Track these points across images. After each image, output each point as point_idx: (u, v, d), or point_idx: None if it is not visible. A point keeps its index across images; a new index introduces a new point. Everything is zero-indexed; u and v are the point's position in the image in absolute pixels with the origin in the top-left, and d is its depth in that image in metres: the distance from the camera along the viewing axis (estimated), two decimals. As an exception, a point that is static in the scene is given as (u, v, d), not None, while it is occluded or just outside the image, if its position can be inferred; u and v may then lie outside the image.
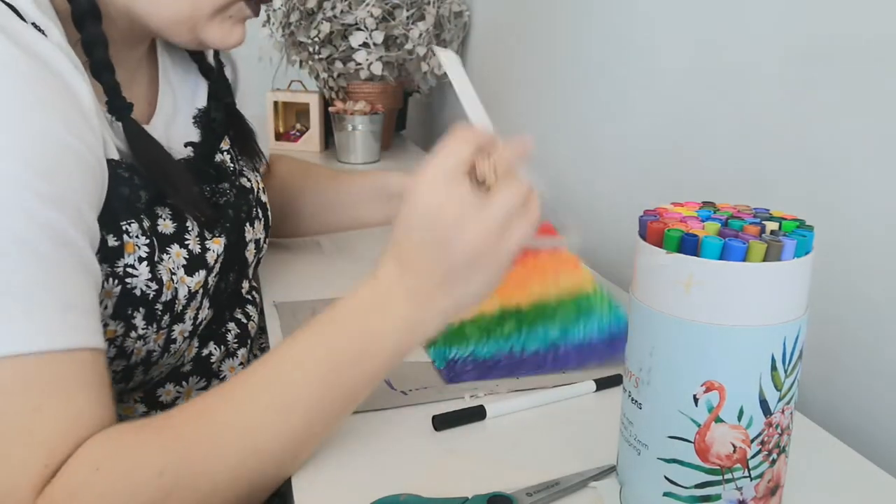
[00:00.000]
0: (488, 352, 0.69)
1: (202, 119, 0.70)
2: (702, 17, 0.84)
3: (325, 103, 1.69)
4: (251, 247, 0.73)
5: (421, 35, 1.56)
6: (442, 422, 0.57)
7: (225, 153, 0.72)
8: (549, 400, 0.62)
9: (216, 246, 0.65)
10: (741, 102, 0.78)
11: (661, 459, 0.45)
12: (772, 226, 0.43)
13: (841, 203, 0.66)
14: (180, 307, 0.61)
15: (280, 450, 0.49)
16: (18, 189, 0.44)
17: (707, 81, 0.84)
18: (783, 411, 0.44)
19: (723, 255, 0.41)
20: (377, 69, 1.57)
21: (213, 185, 0.68)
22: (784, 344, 0.42)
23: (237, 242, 0.70)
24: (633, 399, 0.46)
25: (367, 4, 1.53)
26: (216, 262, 0.65)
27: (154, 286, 0.58)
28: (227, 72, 0.79)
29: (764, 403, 0.43)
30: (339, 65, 1.60)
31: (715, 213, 0.46)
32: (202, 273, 0.63)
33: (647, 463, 0.45)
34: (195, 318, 0.65)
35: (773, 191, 0.74)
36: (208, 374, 0.71)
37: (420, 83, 1.72)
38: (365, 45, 1.55)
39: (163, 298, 0.59)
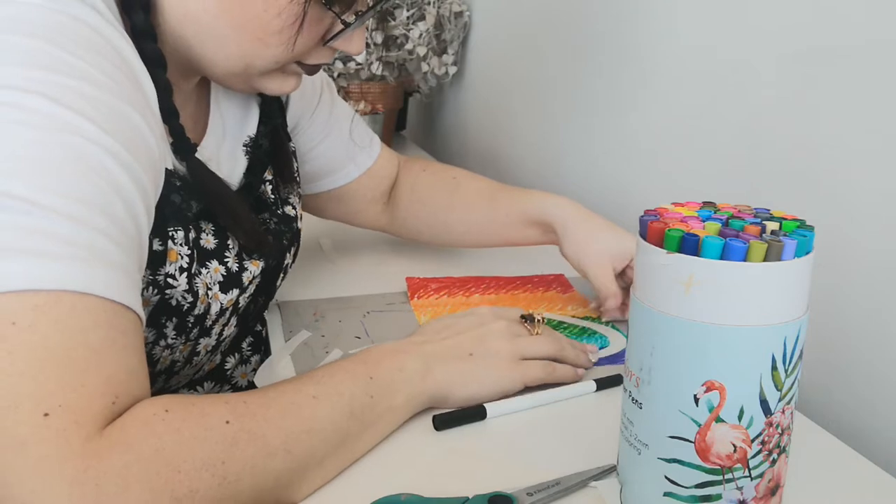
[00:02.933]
0: None
1: (252, 147, 0.70)
2: (702, 18, 0.85)
3: (325, 103, 1.68)
4: (280, 273, 0.73)
5: (421, 35, 1.56)
6: (443, 421, 0.57)
7: (267, 184, 0.72)
8: (549, 400, 0.62)
9: (254, 267, 0.66)
10: (742, 102, 0.78)
11: (661, 459, 0.45)
12: (772, 226, 0.43)
13: (841, 203, 0.66)
14: (210, 322, 0.62)
15: (328, 433, 0.50)
16: (101, 150, 0.45)
17: (707, 82, 0.84)
18: (783, 411, 0.44)
19: (723, 255, 0.41)
20: (377, 69, 1.57)
21: (255, 216, 0.69)
22: (784, 344, 0.42)
23: (275, 268, 0.71)
24: (633, 399, 0.46)
25: (368, 4, 1.53)
26: (251, 282, 0.66)
27: (189, 298, 0.58)
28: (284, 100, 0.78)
29: (764, 403, 0.43)
30: (339, 65, 1.60)
31: (715, 213, 0.46)
32: (235, 292, 0.64)
33: (647, 463, 0.45)
34: (220, 333, 0.65)
35: (773, 191, 0.74)
36: (222, 380, 0.72)
37: (420, 83, 1.72)
38: (365, 44, 1.56)
39: (195, 311, 0.60)
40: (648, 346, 0.44)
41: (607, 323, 0.77)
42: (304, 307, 0.80)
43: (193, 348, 0.62)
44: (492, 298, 0.83)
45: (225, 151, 0.67)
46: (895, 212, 0.61)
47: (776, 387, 0.43)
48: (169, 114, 0.56)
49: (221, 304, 0.62)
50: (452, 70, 1.65)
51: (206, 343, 0.64)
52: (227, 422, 0.45)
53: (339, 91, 1.64)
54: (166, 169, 0.55)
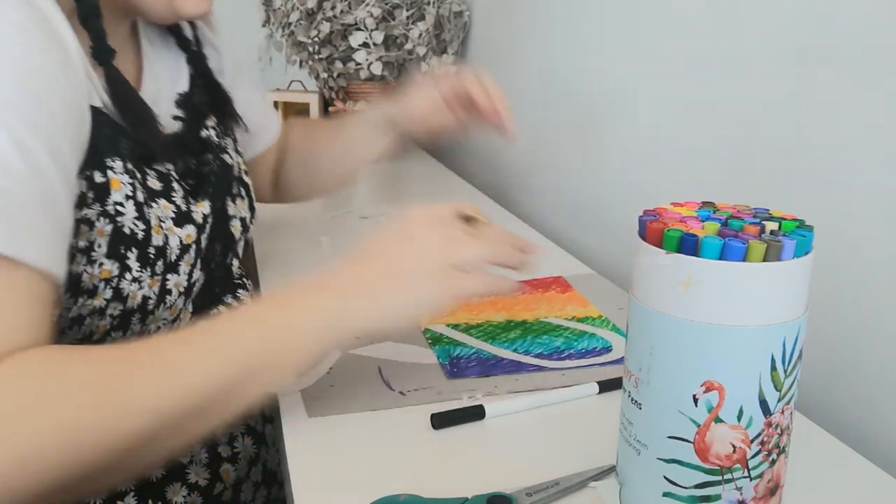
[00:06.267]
0: (492, 353, 0.70)
1: (184, 102, 0.74)
2: (702, 17, 0.84)
3: (325, 103, 1.68)
4: (236, 223, 0.75)
5: (421, 35, 1.56)
6: (441, 420, 0.57)
7: (210, 129, 0.76)
8: (549, 401, 0.61)
9: (201, 209, 0.68)
10: (741, 102, 0.78)
11: (660, 459, 0.45)
12: (771, 226, 0.43)
13: (841, 203, 0.66)
14: (173, 256, 0.63)
15: (197, 396, 0.49)
16: (2, 105, 0.47)
17: (707, 81, 0.84)
18: (783, 411, 0.44)
19: (722, 255, 0.41)
20: (377, 69, 1.57)
21: (198, 157, 0.72)
22: (784, 344, 0.42)
23: (221, 210, 0.72)
24: (632, 399, 0.46)
25: (367, 4, 1.53)
26: (205, 222, 0.68)
27: (142, 226, 0.60)
28: (213, 62, 0.82)
29: (763, 403, 0.43)
30: (339, 65, 1.60)
31: (714, 213, 0.46)
32: (191, 228, 0.66)
33: (646, 463, 0.45)
34: (189, 274, 0.66)
35: (772, 191, 0.74)
36: None
37: (420, 83, 1.72)
38: (365, 45, 1.55)
39: (154, 242, 0.61)
40: (647, 347, 0.44)
41: (608, 325, 0.77)
42: (303, 307, 0.80)
43: (163, 285, 0.63)
44: (491, 300, 0.83)
45: (161, 109, 0.70)
46: (895, 212, 0.61)
47: (775, 387, 0.43)
48: (89, 13, 0.59)
49: (181, 238, 0.64)
50: (452, 70, 1.65)
51: (175, 281, 0.64)
52: (92, 384, 0.45)
53: (339, 91, 1.64)
54: (94, 107, 0.58)
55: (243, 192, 0.77)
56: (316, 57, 1.59)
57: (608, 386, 0.63)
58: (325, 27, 1.55)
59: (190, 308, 0.70)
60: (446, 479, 0.52)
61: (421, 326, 0.74)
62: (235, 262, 0.77)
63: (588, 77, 1.12)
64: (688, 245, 0.42)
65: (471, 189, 1.41)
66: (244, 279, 0.80)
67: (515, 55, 1.39)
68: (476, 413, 0.59)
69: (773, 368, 0.42)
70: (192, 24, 0.79)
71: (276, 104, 1.72)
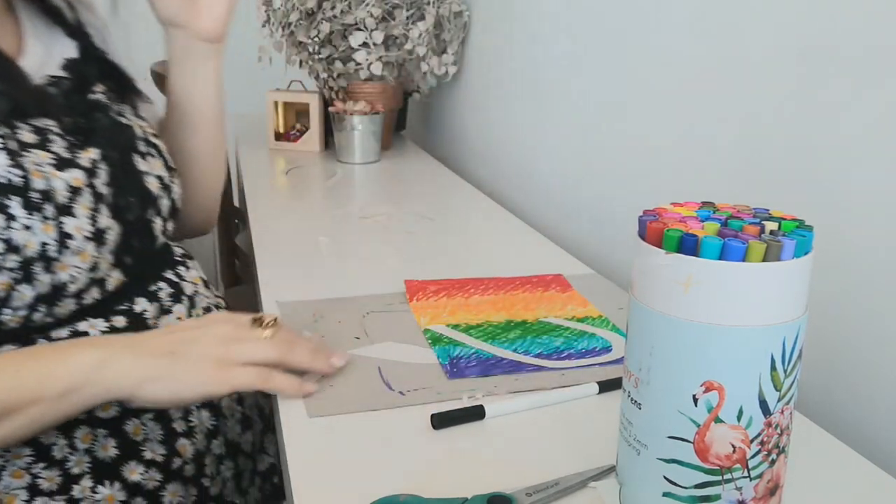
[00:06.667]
0: (492, 353, 0.70)
1: (70, 67, 0.73)
2: (702, 17, 0.85)
3: (325, 103, 1.68)
4: (152, 179, 0.74)
5: (421, 35, 1.56)
6: (441, 420, 0.57)
7: (100, 94, 0.75)
8: (550, 401, 0.61)
9: (87, 155, 0.67)
10: (741, 102, 0.78)
11: (660, 459, 0.45)
12: (771, 226, 0.43)
13: (841, 203, 0.66)
14: (63, 199, 0.63)
15: None
16: None
17: (707, 81, 0.84)
18: (783, 411, 0.44)
19: (722, 255, 0.41)
20: (377, 69, 1.57)
21: (87, 116, 0.71)
22: (783, 344, 0.42)
23: (126, 163, 0.72)
24: (632, 399, 0.46)
25: (367, 4, 1.53)
26: (95, 167, 0.67)
27: (19, 172, 0.60)
28: (98, 42, 0.81)
29: (763, 403, 0.43)
30: (338, 65, 1.60)
31: (714, 213, 0.46)
32: (78, 172, 0.65)
33: (646, 463, 0.45)
34: (93, 220, 0.65)
35: (772, 191, 0.74)
36: (142, 328, 0.71)
37: (420, 83, 1.72)
38: (365, 45, 1.55)
39: (36, 186, 0.61)
40: (647, 347, 0.44)
41: (608, 325, 0.77)
42: (303, 307, 0.80)
43: (59, 228, 0.62)
44: (490, 299, 0.83)
45: (47, 73, 0.71)
46: (895, 212, 0.61)
47: (775, 387, 0.43)
48: None
49: (66, 181, 0.63)
50: (452, 70, 1.65)
51: (76, 224, 0.63)
52: None
53: (339, 91, 1.64)
54: None
55: (154, 152, 0.76)
56: (316, 57, 1.59)
57: (608, 386, 0.63)
58: (325, 27, 1.55)
59: (116, 276, 0.68)
60: (446, 479, 0.52)
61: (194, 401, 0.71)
62: (159, 222, 0.75)
63: (588, 76, 1.12)
64: (687, 245, 0.42)
65: (470, 188, 1.41)
66: (186, 258, 0.80)
67: (515, 55, 1.39)
68: (476, 413, 0.59)
69: (773, 368, 0.42)
70: (71, 6, 0.79)
71: (275, 104, 1.72)
